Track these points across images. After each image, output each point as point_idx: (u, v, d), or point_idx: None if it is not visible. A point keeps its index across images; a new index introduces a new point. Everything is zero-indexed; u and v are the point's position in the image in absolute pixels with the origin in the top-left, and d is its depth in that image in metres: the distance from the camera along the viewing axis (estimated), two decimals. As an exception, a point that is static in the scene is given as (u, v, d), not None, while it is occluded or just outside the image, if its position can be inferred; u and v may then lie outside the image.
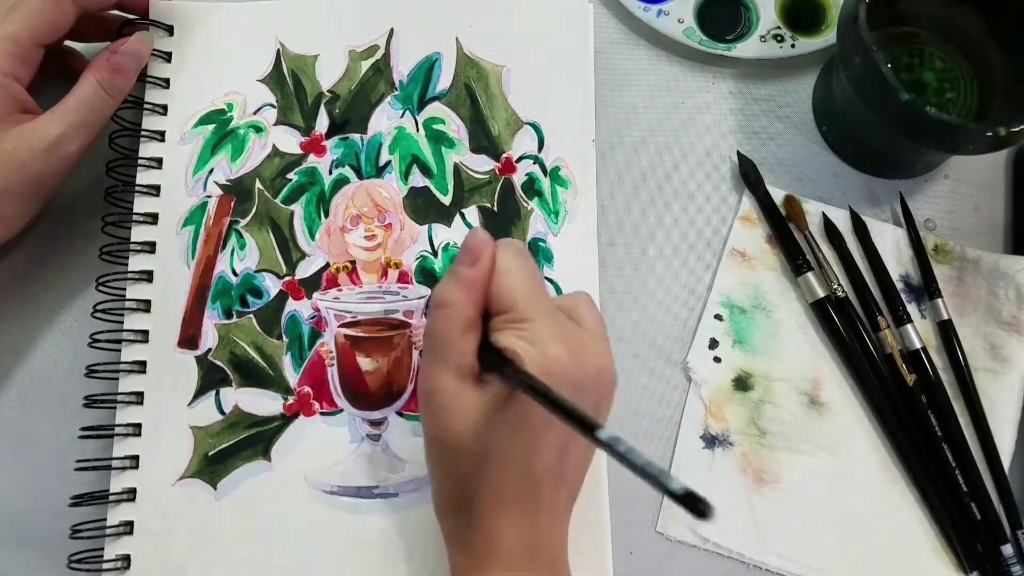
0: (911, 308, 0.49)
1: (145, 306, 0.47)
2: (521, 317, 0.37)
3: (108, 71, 0.46)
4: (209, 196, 0.49)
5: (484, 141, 0.50)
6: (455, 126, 0.50)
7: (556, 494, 0.38)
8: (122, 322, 0.47)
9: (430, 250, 0.49)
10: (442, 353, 0.38)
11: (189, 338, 0.47)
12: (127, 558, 0.44)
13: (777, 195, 0.51)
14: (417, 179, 0.50)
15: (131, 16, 0.50)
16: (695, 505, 0.26)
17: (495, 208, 0.49)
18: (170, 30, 0.51)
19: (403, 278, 0.48)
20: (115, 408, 0.46)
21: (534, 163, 0.50)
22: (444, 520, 0.40)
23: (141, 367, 0.46)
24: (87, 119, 0.45)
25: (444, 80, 0.51)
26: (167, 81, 0.50)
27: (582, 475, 0.40)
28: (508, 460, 0.37)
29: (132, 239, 0.48)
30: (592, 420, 0.31)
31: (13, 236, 0.46)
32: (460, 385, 0.37)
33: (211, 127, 0.50)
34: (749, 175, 0.51)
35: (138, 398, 0.46)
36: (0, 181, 0.43)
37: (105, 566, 0.44)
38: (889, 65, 0.43)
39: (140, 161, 0.49)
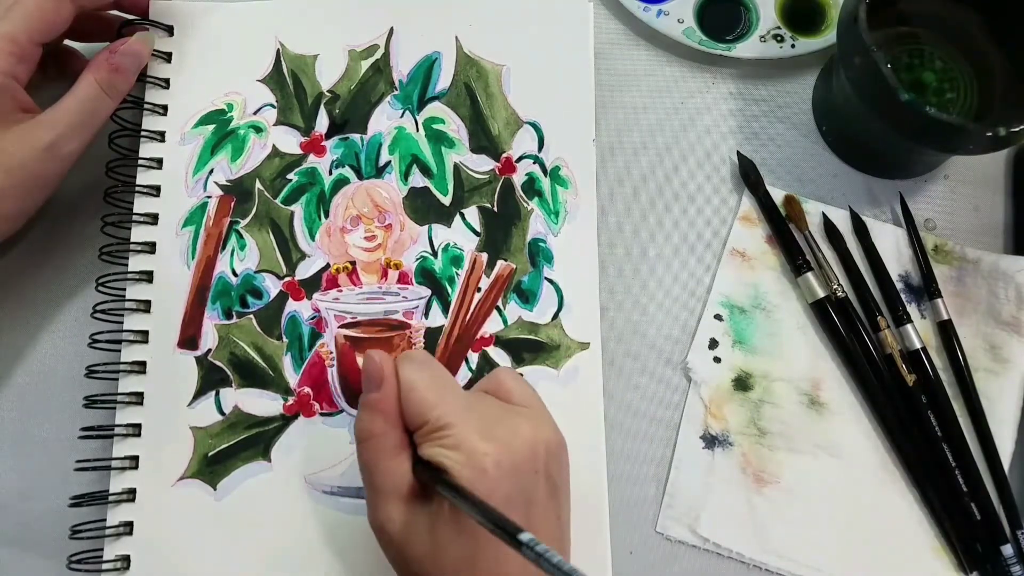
0: (911, 308, 0.49)
1: (145, 306, 0.47)
2: (438, 425, 0.37)
3: (107, 71, 0.46)
4: (209, 196, 0.49)
5: (484, 141, 0.50)
6: (455, 126, 0.50)
7: None
8: (122, 322, 0.47)
9: (430, 250, 0.49)
10: (379, 484, 0.38)
11: (189, 339, 0.47)
12: (127, 558, 0.44)
13: (777, 195, 0.51)
14: (417, 179, 0.50)
15: (131, 16, 0.50)
16: None
17: (495, 208, 0.49)
18: (170, 30, 0.51)
19: (403, 279, 0.48)
20: (115, 408, 0.46)
21: (534, 163, 0.50)
22: None
23: (141, 367, 0.46)
24: (86, 119, 0.45)
25: (444, 80, 0.51)
26: (167, 81, 0.50)
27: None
28: (475, 570, 0.36)
29: (132, 239, 0.48)
30: (512, 526, 0.31)
31: (11, 235, 0.46)
32: (406, 510, 0.37)
33: (211, 127, 0.50)
34: (749, 175, 0.51)
35: (138, 398, 0.46)
36: (3, 179, 0.43)
37: (105, 566, 0.44)
38: (889, 65, 0.43)
39: (140, 161, 0.49)
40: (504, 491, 0.36)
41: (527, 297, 0.48)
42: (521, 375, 0.44)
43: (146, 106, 0.49)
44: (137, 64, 0.48)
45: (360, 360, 0.47)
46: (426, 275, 0.48)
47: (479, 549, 0.36)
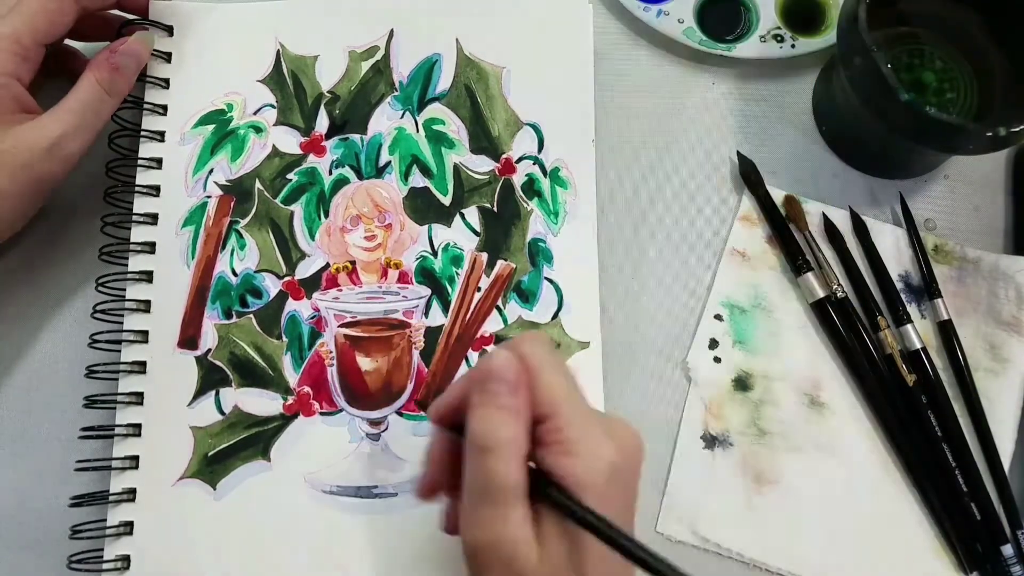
0: (911, 308, 0.49)
1: (145, 306, 0.47)
2: (562, 424, 0.32)
3: (108, 71, 0.46)
4: (209, 196, 0.49)
5: (484, 142, 0.50)
6: (455, 127, 0.50)
7: None
8: (122, 322, 0.47)
9: (430, 250, 0.49)
10: (499, 497, 0.32)
11: (189, 338, 0.47)
12: (127, 558, 0.44)
13: (777, 195, 0.51)
14: (417, 179, 0.50)
15: (131, 16, 0.50)
16: None
17: (495, 208, 0.49)
18: (170, 30, 0.51)
19: (403, 278, 0.48)
20: (115, 408, 0.46)
21: (534, 164, 0.50)
22: None
23: (141, 367, 0.46)
24: (87, 119, 0.45)
25: (444, 81, 0.51)
26: (167, 81, 0.50)
27: None
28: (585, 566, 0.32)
29: (132, 239, 0.48)
30: (667, 566, 0.29)
31: (10, 236, 0.46)
32: (526, 529, 0.32)
33: (211, 127, 0.50)
34: (749, 175, 0.51)
35: (138, 398, 0.46)
36: (6, 183, 0.43)
37: (105, 566, 0.44)
38: (889, 65, 0.43)
39: (140, 161, 0.49)
40: (619, 498, 0.33)
41: (527, 297, 0.48)
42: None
43: (146, 106, 0.49)
44: (137, 64, 0.48)
45: (360, 360, 0.47)
46: (426, 275, 0.48)
47: (585, 549, 0.32)
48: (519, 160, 0.50)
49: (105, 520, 0.44)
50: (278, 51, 0.51)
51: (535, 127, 0.50)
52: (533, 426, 0.33)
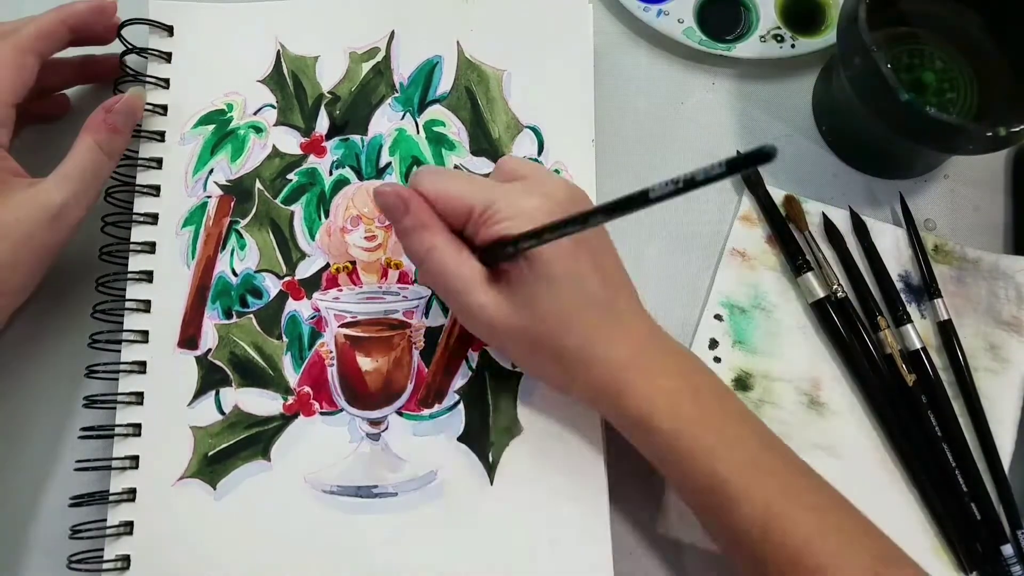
0: (911, 308, 0.49)
1: (145, 306, 0.47)
2: (483, 207, 0.39)
3: (105, 132, 0.45)
4: (209, 196, 0.49)
5: (484, 144, 0.50)
6: (455, 128, 0.50)
7: (626, 302, 0.42)
8: (122, 322, 0.47)
9: (430, 250, 0.48)
10: (457, 285, 0.40)
11: (189, 338, 0.47)
12: (127, 558, 0.44)
13: (777, 195, 0.51)
14: (417, 179, 0.50)
15: (128, 16, 0.50)
16: (761, 158, 0.26)
17: (495, 208, 0.49)
18: (170, 30, 0.51)
19: (403, 278, 0.48)
20: (115, 408, 0.46)
21: (534, 163, 0.50)
22: (575, 384, 0.41)
23: (141, 367, 0.46)
24: (89, 183, 0.45)
25: (445, 83, 0.51)
26: (167, 81, 0.50)
27: (624, 273, 0.43)
28: (572, 307, 0.39)
29: (132, 239, 0.48)
30: (634, 193, 0.33)
31: (16, 308, 0.45)
32: (492, 292, 0.40)
33: (211, 127, 0.50)
34: (749, 175, 0.51)
35: (138, 398, 0.46)
36: (9, 255, 0.43)
37: (105, 566, 0.44)
38: (889, 65, 0.43)
39: (140, 161, 0.49)
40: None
41: (527, 297, 0.48)
42: (525, 159, 0.48)
43: (146, 106, 0.49)
44: (133, 121, 0.48)
45: (360, 360, 0.47)
46: (426, 275, 0.48)
47: (572, 282, 0.39)
48: (519, 160, 0.50)
49: (105, 520, 0.44)
50: (278, 51, 0.51)
51: (535, 130, 0.50)
52: (461, 228, 0.41)
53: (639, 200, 0.32)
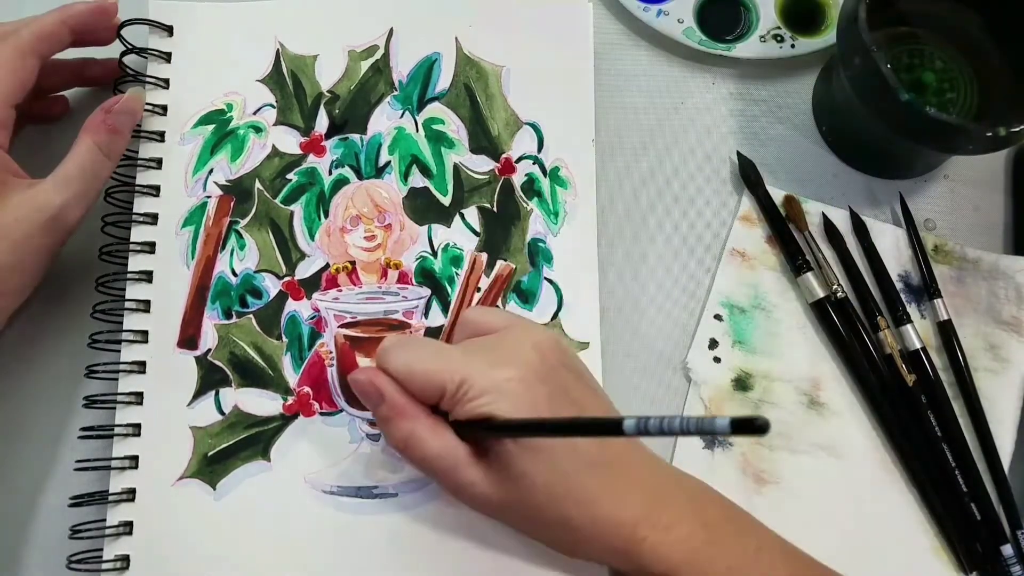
0: (911, 308, 0.49)
1: (145, 306, 0.47)
2: (455, 386, 0.37)
3: (105, 133, 0.45)
4: (209, 196, 0.49)
5: (484, 141, 0.50)
6: (455, 126, 0.50)
7: (622, 446, 0.39)
8: (122, 322, 0.47)
9: (430, 250, 0.49)
10: (443, 466, 0.38)
11: (189, 338, 0.47)
12: (126, 558, 0.44)
13: (777, 195, 0.51)
14: (417, 179, 0.50)
15: (128, 16, 0.50)
16: (752, 428, 0.26)
17: (495, 208, 0.49)
18: (170, 30, 0.51)
19: (403, 279, 0.48)
20: (115, 408, 0.46)
21: (534, 163, 0.50)
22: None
23: (141, 367, 0.46)
24: (88, 184, 0.45)
25: (444, 80, 0.51)
26: (167, 81, 0.50)
27: (610, 405, 0.41)
28: (565, 476, 0.37)
29: (132, 239, 0.48)
30: (612, 420, 0.32)
31: (14, 309, 0.45)
32: (479, 469, 0.38)
33: (211, 127, 0.50)
34: (749, 175, 0.51)
35: (138, 398, 0.46)
36: (8, 256, 0.42)
37: (105, 566, 0.44)
38: (889, 65, 0.43)
39: (140, 161, 0.49)
40: (544, 398, 0.37)
41: (527, 297, 0.48)
42: (487, 307, 0.47)
43: (146, 106, 0.49)
44: (132, 122, 0.47)
45: (360, 360, 0.47)
46: (426, 275, 0.48)
47: (558, 456, 0.37)
48: (519, 160, 0.50)
49: (105, 520, 0.44)
50: (278, 51, 0.51)
51: (535, 126, 0.50)
52: (435, 404, 0.39)
53: (633, 429, 0.31)
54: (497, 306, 0.48)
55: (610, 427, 0.32)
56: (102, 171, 0.45)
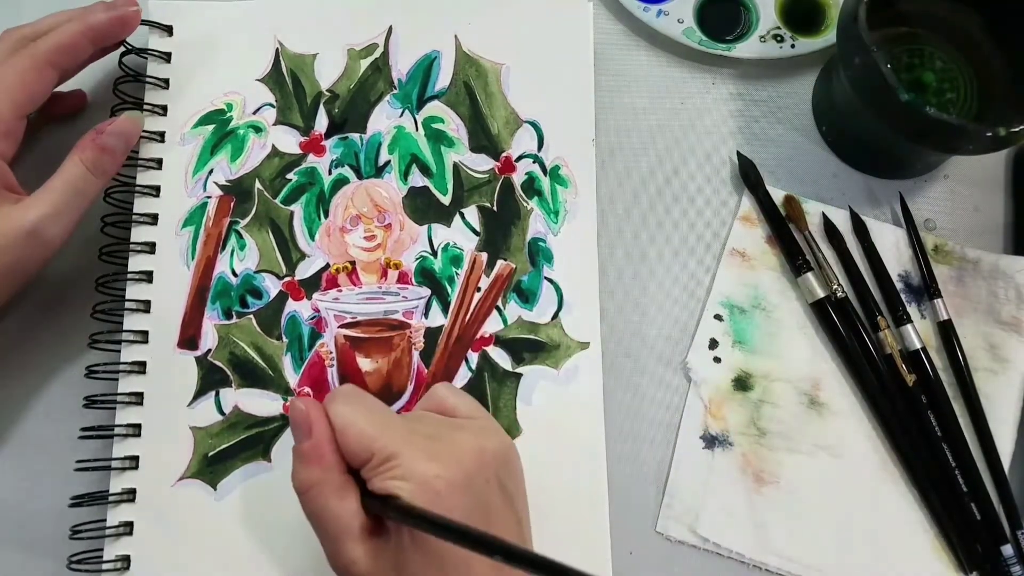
0: (911, 308, 0.49)
1: (145, 307, 0.47)
2: (384, 457, 0.36)
3: (93, 151, 0.44)
4: (209, 197, 0.49)
5: (483, 140, 0.50)
6: (454, 125, 0.50)
7: None
8: (122, 322, 0.47)
9: (430, 250, 0.48)
10: (332, 530, 0.37)
11: (189, 339, 0.47)
12: (127, 558, 0.44)
13: (777, 195, 0.51)
14: (416, 179, 0.50)
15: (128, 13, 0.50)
16: None
17: (495, 208, 0.49)
18: (170, 30, 0.51)
19: (403, 278, 0.48)
20: (115, 408, 0.46)
21: (534, 162, 0.50)
22: None
23: (141, 368, 0.46)
24: (71, 200, 0.43)
25: (443, 78, 0.51)
26: (166, 81, 0.50)
27: (528, 530, 0.40)
28: None
29: (132, 239, 0.48)
30: (515, 547, 0.31)
31: None
32: (367, 549, 0.36)
33: (210, 127, 0.50)
34: (749, 175, 0.51)
35: (138, 399, 0.46)
36: None
37: (105, 566, 0.44)
38: (889, 65, 0.43)
39: (140, 161, 0.49)
40: (461, 507, 0.35)
41: (527, 297, 0.48)
42: (460, 390, 0.44)
43: (146, 106, 0.49)
44: (126, 144, 0.46)
45: (360, 360, 0.47)
46: (426, 275, 0.48)
47: (448, 568, 0.35)
48: (519, 158, 0.50)
49: (105, 520, 0.44)
50: (277, 50, 0.51)
51: (535, 124, 0.50)
52: (358, 467, 0.37)
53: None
54: (498, 307, 0.48)
55: (512, 553, 0.31)
56: (88, 188, 0.44)
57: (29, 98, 0.45)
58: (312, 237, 0.49)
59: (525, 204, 0.49)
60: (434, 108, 0.50)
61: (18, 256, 0.43)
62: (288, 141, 0.50)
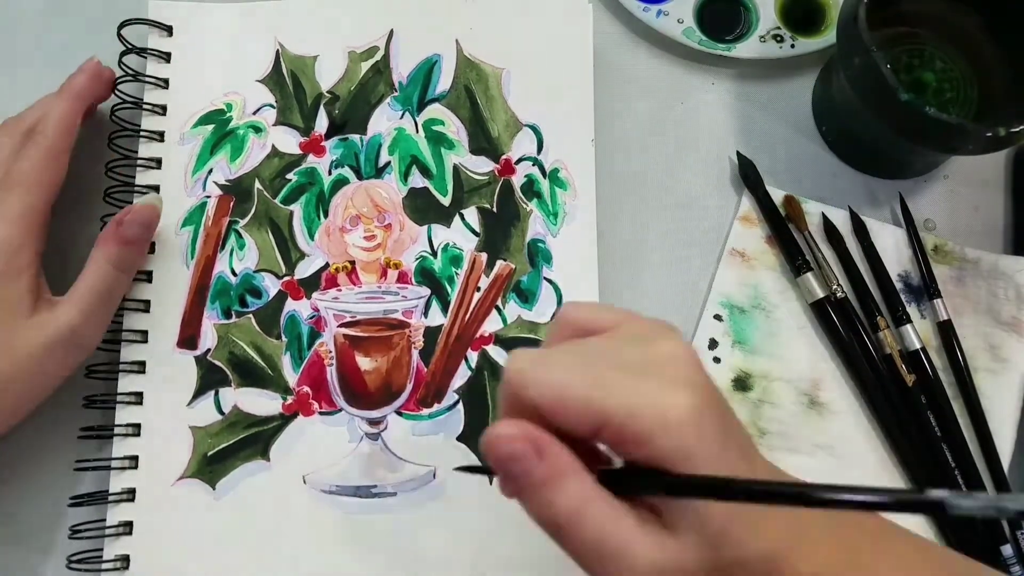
0: (911, 308, 0.49)
1: (144, 306, 0.47)
2: (620, 422, 0.28)
3: (116, 246, 0.44)
4: (208, 196, 0.49)
5: (483, 143, 0.50)
6: (455, 127, 0.50)
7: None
8: (121, 322, 0.47)
9: (429, 250, 0.49)
10: (616, 545, 0.28)
11: (188, 338, 0.47)
12: (126, 558, 0.44)
13: (777, 195, 0.51)
14: (416, 180, 0.50)
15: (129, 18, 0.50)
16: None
17: (494, 209, 0.49)
18: (170, 30, 0.51)
19: (402, 278, 0.48)
20: (115, 408, 0.46)
21: (533, 165, 0.50)
22: None
23: (140, 367, 0.46)
24: (102, 301, 0.43)
25: (444, 82, 0.51)
26: (166, 81, 0.50)
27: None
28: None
29: (132, 239, 0.48)
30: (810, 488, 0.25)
31: (9, 429, 0.43)
32: (652, 539, 0.28)
33: (210, 127, 0.50)
34: (749, 175, 0.51)
35: (137, 398, 0.46)
36: (22, 384, 0.42)
37: (104, 566, 0.44)
38: (889, 65, 0.43)
39: (139, 161, 0.49)
40: (716, 435, 0.28)
41: (526, 297, 0.48)
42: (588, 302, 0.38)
43: (145, 106, 0.49)
44: (148, 233, 0.46)
45: (359, 360, 0.47)
46: (426, 275, 0.48)
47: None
48: (518, 161, 0.50)
49: (105, 520, 0.44)
50: (277, 51, 0.51)
51: (535, 128, 0.50)
52: (593, 434, 0.29)
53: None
54: (498, 307, 0.48)
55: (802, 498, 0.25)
56: (116, 287, 0.44)
57: (54, 185, 0.45)
58: (312, 237, 0.49)
59: (525, 206, 0.49)
60: (435, 111, 0.51)
61: (49, 364, 0.43)
62: (288, 141, 0.50)
